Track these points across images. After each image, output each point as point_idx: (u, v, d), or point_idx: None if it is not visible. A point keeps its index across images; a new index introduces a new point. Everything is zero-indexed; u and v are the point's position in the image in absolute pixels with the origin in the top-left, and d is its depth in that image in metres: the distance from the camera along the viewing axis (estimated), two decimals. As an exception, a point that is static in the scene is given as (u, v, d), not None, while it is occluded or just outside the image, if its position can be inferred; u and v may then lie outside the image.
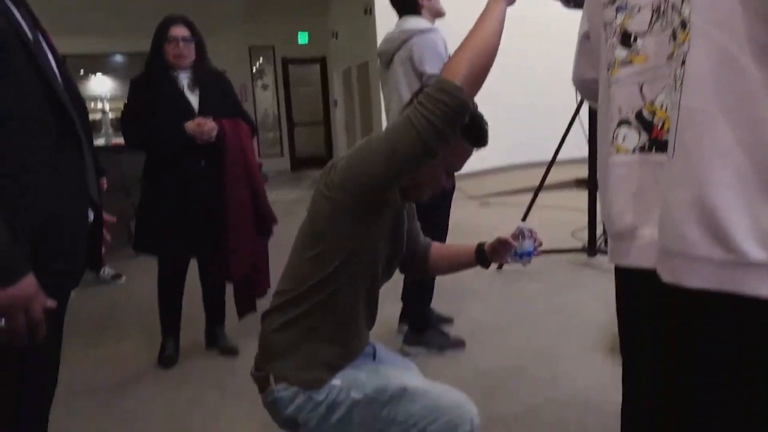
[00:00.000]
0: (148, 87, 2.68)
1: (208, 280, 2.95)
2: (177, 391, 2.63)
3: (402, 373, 1.52)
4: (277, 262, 3.85)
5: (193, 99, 2.69)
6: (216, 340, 3.03)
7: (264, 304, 3.53)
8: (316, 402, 1.38)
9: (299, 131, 14.08)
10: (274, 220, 2.89)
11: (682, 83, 0.92)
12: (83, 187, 1.28)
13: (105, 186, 4.57)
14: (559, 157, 4.33)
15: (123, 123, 2.73)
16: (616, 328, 1.28)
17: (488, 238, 1.65)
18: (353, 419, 1.40)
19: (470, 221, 5.31)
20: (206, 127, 2.58)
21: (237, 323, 3.19)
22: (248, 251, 2.80)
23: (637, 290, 1.13)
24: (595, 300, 3.48)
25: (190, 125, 2.57)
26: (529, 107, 7.66)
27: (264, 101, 13.12)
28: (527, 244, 1.62)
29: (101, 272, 4.55)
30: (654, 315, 1.10)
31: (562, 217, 5.83)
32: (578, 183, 7.32)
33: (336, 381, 1.40)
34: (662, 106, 0.98)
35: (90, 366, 2.93)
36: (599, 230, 4.15)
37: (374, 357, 1.59)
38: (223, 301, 3.02)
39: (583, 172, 4.68)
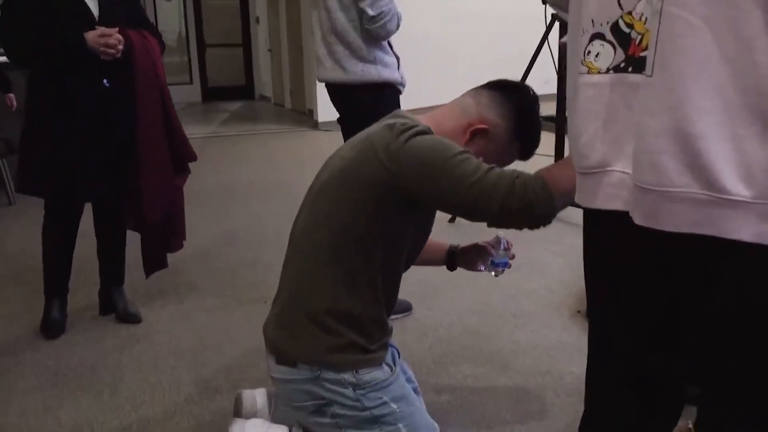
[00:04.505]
0: None
1: (107, 230, 2.87)
2: (63, 365, 2.57)
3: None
4: (188, 210, 3.76)
5: (92, 3, 2.56)
6: (114, 305, 2.97)
7: (178, 261, 3.44)
8: (363, 406, 1.60)
9: (212, 54, 13.70)
10: (192, 156, 2.85)
11: None
12: None
13: (14, 103, 4.40)
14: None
15: (2, 29, 2.56)
16: (582, 288, 1.29)
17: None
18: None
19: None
20: (111, 39, 2.46)
21: (137, 285, 3.14)
22: (165, 191, 2.74)
23: (606, 237, 1.13)
24: (559, 257, 3.59)
25: (91, 36, 2.44)
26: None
27: (168, 17, 12.62)
28: (503, 255, 1.92)
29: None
30: (626, 266, 1.11)
31: (525, 163, 5.92)
32: (545, 121, 7.42)
33: (394, 405, 1.63)
34: (641, 17, 0.97)
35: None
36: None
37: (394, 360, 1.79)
38: (123, 256, 2.95)
39: (550, 110, 4.72)
